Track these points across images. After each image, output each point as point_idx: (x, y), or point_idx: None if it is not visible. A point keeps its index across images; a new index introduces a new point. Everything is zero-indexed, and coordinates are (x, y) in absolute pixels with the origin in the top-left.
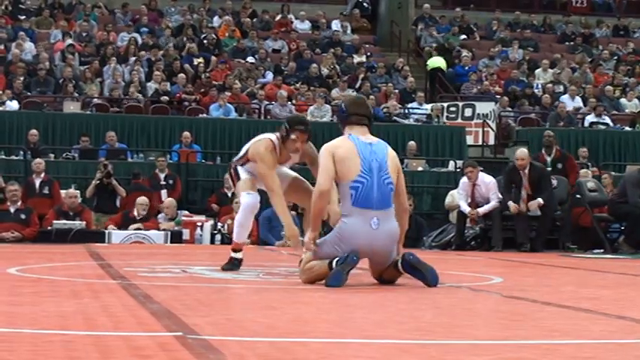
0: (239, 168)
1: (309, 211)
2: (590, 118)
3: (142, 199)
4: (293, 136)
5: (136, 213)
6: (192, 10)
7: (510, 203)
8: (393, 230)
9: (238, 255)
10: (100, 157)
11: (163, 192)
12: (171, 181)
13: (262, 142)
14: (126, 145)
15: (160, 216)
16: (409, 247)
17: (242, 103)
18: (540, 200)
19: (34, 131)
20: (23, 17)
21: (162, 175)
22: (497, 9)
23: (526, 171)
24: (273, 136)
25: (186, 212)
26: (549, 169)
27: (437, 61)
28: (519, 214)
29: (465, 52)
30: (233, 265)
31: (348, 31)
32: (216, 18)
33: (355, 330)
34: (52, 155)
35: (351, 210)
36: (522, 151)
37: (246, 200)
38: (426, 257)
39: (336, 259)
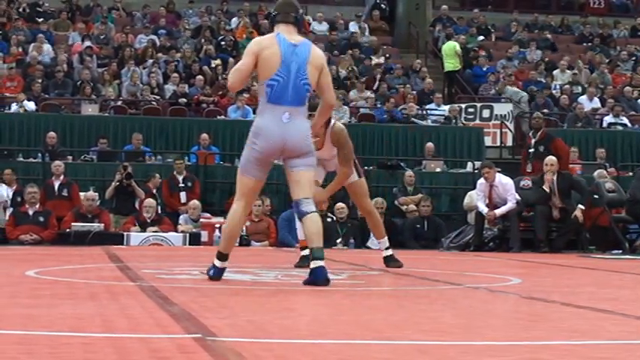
0: None
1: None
2: (608, 118)
3: (149, 202)
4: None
5: (146, 215)
6: (210, 12)
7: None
8: (303, 127)
9: (307, 252)
10: (118, 160)
11: (182, 194)
12: (189, 184)
13: None
14: (145, 147)
15: (181, 218)
16: (427, 248)
17: None
18: (581, 206)
19: (52, 133)
20: (41, 20)
21: (180, 178)
22: (514, 10)
23: (554, 178)
24: None
25: (205, 214)
26: (531, 150)
27: (450, 47)
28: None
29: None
30: (303, 261)
31: (367, 33)
32: (233, 20)
33: (373, 331)
34: (70, 157)
35: (265, 107)
36: (550, 158)
37: None
38: (445, 258)
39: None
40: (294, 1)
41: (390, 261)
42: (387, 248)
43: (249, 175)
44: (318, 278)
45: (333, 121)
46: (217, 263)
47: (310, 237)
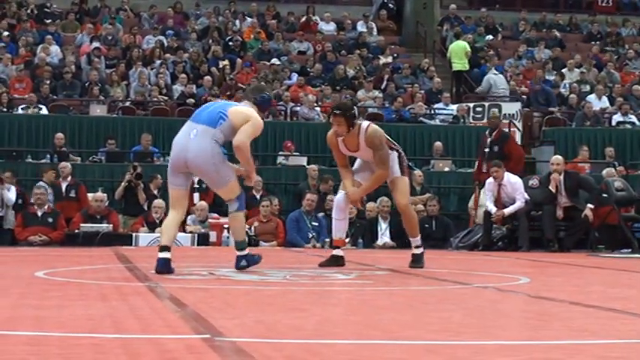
0: None
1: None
2: (617, 117)
3: (158, 202)
4: (332, 121)
5: (155, 216)
6: (218, 12)
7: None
8: (205, 147)
9: (338, 252)
10: (126, 160)
11: (195, 195)
12: (204, 185)
13: None
14: (153, 148)
15: (189, 218)
16: (436, 248)
17: None
18: (591, 205)
19: (60, 135)
20: (49, 21)
21: (196, 179)
22: (522, 9)
23: (561, 177)
24: None
25: (214, 214)
26: (487, 150)
27: (460, 47)
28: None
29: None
30: (330, 261)
31: (374, 32)
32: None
33: (383, 331)
34: (78, 158)
35: (185, 124)
36: (557, 157)
37: (336, 197)
38: (453, 258)
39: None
40: (262, 86)
41: (413, 260)
42: (416, 247)
43: (171, 185)
44: (237, 266)
45: (367, 123)
46: (160, 255)
47: (233, 231)
